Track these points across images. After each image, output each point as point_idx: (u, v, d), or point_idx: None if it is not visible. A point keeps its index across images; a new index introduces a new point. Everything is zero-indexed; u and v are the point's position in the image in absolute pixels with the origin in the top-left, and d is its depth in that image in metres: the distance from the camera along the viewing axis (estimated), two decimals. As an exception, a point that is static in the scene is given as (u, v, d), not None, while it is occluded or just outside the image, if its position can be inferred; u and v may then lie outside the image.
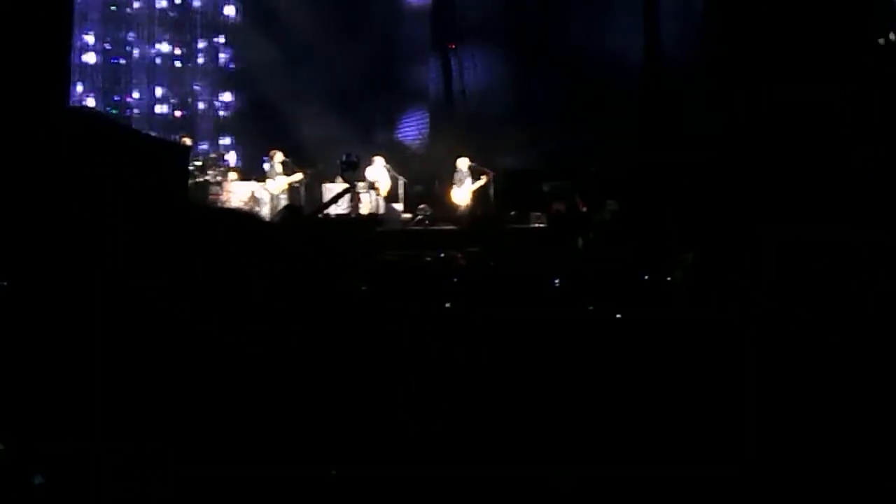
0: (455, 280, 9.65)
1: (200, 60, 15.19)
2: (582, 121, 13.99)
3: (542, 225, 13.45)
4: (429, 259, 11.24)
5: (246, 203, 13.40)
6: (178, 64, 15.00)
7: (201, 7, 15.00)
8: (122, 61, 14.68)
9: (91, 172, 10.90)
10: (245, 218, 11.89)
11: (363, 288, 9.94)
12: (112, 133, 12.85)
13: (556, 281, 9.76)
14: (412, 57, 15.51)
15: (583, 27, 15.07)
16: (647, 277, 9.64)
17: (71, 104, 14.13)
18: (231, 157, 14.95)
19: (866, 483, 4.15)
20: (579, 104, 14.08)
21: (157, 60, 14.83)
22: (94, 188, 10.76)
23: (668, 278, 12.42)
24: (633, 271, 10.10)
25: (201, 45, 15.17)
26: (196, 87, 15.11)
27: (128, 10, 14.67)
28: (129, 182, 11.18)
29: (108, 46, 14.65)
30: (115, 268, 9.05)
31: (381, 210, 13.99)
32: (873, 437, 4.56)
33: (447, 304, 8.50)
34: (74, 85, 13.60)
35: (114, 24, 14.64)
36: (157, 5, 14.85)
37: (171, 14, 14.85)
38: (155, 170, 12.07)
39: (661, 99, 13.95)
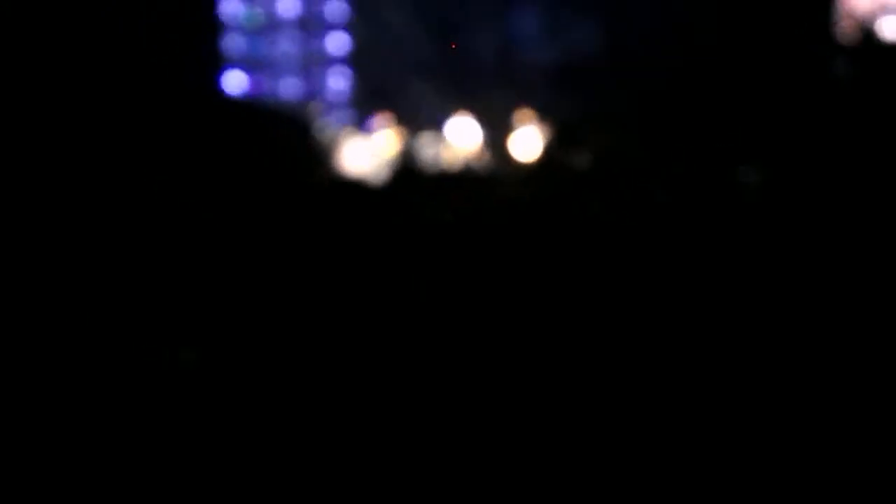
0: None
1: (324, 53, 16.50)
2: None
3: (586, 163, 13.41)
4: (501, 194, 11.66)
5: (364, 155, 14.37)
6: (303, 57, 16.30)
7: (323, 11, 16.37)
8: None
9: (244, 148, 11.99)
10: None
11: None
12: (263, 119, 14.14)
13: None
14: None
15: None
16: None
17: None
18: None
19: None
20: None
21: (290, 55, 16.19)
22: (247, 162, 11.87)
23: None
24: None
25: (323, 41, 16.46)
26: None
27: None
28: (277, 156, 12.36)
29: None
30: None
31: (467, 159, 14.80)
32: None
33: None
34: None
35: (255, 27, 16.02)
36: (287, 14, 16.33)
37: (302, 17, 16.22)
38: (296, 138, 13.33)
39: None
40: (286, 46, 16.17)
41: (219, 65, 13.53)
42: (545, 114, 15.01)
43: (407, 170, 14.13)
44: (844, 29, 13.50)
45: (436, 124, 15.27)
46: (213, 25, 13.44)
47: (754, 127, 12.34)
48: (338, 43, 16.58)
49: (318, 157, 14.00)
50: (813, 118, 11.86)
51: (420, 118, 15.34)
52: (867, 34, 13.30)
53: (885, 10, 13.77)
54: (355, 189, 13.23)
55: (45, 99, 10.37)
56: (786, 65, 12.84)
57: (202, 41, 12.81)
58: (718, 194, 9.98)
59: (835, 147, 10.68)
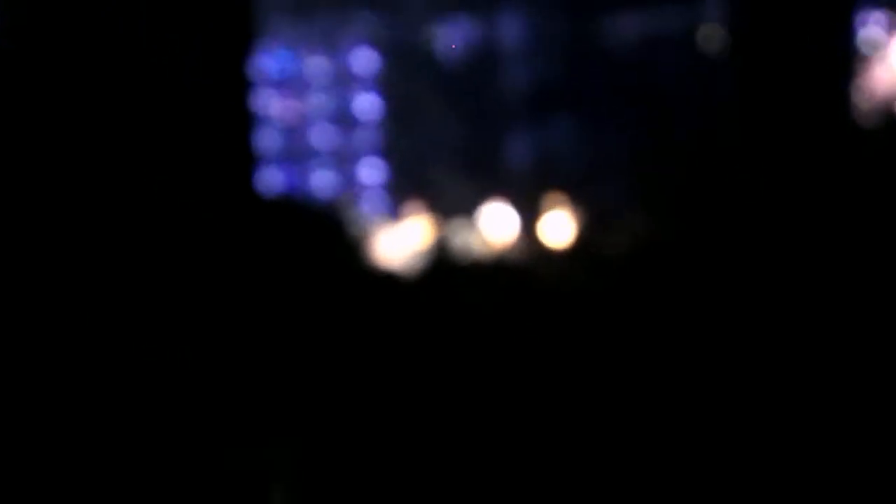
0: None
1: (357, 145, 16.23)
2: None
3: (624, 248, 12.53)
4: (539, 285, 11.56)
5: (399, 244, 14.21)
6: (337, 149, 16.07)
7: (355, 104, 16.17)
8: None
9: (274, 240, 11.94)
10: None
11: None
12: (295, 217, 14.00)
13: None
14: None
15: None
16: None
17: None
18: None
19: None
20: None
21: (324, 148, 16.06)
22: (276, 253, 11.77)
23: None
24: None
25: (356, 133, 16.31)
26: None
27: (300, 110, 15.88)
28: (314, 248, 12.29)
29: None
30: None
31: (498, 246, 14.69)
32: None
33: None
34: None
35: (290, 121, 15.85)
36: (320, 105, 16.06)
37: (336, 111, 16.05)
38: (329, 232, 13.27)
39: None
40: (319, 139, 16.08)
41: (255, 162, 13.38)
42: (578, 198, 14.87)
43: (440, 260, 13.96)
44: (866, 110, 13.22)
45: (468, 212, 15.14)
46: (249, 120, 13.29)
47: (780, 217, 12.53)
48: (369, 132, 16.37)
49: (351, 251, 13.50)
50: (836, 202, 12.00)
51: (452, 206, 15.24)
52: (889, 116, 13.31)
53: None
54: (387, 282, 13.00)
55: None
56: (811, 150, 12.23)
57: (239, 137, 12.76)
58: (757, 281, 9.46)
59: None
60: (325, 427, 6.26)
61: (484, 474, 5.39)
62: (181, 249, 11.11)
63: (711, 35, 14.89)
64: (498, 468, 5.42)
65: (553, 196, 14.98)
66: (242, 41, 13.04)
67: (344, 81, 16.10)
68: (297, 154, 15.90)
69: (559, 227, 14.79)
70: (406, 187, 15.61)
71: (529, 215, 15.17)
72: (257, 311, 9.80)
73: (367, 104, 16.08)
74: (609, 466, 5.40)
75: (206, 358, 7.78)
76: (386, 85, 16.13)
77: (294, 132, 15.95)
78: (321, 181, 15.93)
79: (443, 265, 13.54)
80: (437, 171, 15.53)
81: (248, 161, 13.30)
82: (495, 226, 15.05)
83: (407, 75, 15.97)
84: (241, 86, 12.99)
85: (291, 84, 15.84)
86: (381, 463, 5.74)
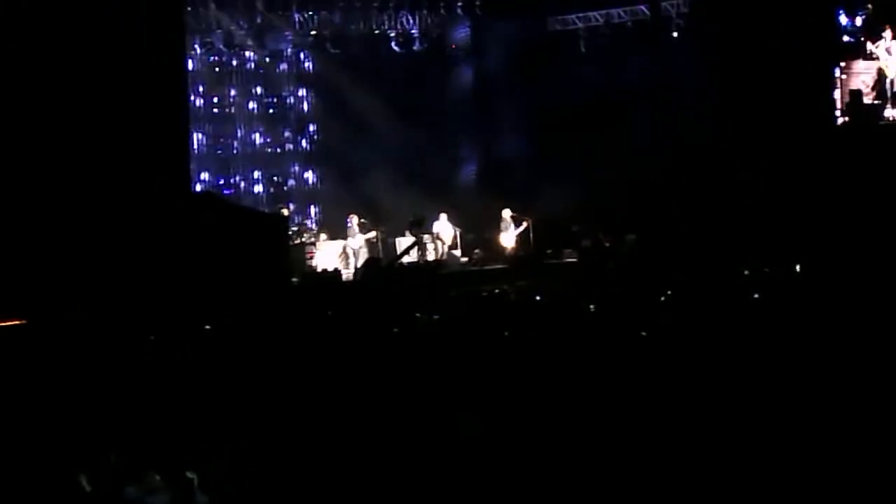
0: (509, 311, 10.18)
1: (289, 146, 15.78)
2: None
3: (573, 259, 13.75)
4: (485, 293, 11.38)
5: (339, 256, 13.89)
6: (268, 150, 15.56)
7: (288, 103, 15.65)
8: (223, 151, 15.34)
9: (213, 243, 11.60)
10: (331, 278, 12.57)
11: (435, 317, 10.46)
12: (229, 211, 13.64)
13: (591, 306, 10.38)
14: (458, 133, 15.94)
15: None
16: (663, 298, 10.11)
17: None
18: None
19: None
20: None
21: (254, 149, 15.50)
22: (216, 257, 11.45)
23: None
24: (651, 292, 10.49)
25: (287, 133, 15.75)
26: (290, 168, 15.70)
27: (228, 109, 15.30)
28: (244, 250, 11.93)
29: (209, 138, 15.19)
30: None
31: (445, 256, 14.38)
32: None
33: (505, 332, 9.00)
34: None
35: (219, 121, 15.28)
36: (251, 105, 15.45)
37: (266, 110, 15.53)
38: (264, 237, 12.87)
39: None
40: (251, 141, 15.63)
41: (188, 161, 12.88)
42: (527, 210, 14.57)
43: (383, 267, 13.50)
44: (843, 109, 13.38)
45: (418, 222, 14.45)
46: (184, 121, 12.83)
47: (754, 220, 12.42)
48: (307, 138, 16.02)
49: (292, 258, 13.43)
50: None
51: (399, 216, 14.67)
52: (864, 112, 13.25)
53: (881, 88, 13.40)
54: (332, 286, 12.78)
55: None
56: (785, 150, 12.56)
57: (174, 138, 12.26)
58: (717, 291, 9.43)
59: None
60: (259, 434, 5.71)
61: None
62: (116, 242, 10.85)
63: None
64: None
65: (500, 208, 14.55)
66: (175, 38, 12.53)
67: (280, 81, 15.78)
68: (227, 154, 15.48)
69: (505, 239, 14.55)
70: (346, 194, 15.00)
71: (476, 226, 15.05)
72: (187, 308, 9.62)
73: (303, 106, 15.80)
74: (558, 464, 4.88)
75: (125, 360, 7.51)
76: (323, 87, 15.79)
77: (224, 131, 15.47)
78: (255, 184, 15.56)
79: (384, 273, 13.00)
80: (380, 179, 14.84)
81: (180, 158, 12.69)
82: (441, 236, 14.50)
83: (348, 79, 15.41)
84: (174, 82, 12.38)
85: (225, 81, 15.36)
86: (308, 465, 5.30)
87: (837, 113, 13.14)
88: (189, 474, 5.29)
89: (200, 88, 14.88)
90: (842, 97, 13.26)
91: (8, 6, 10.71)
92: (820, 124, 12.92)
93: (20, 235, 10.52)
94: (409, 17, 15.69)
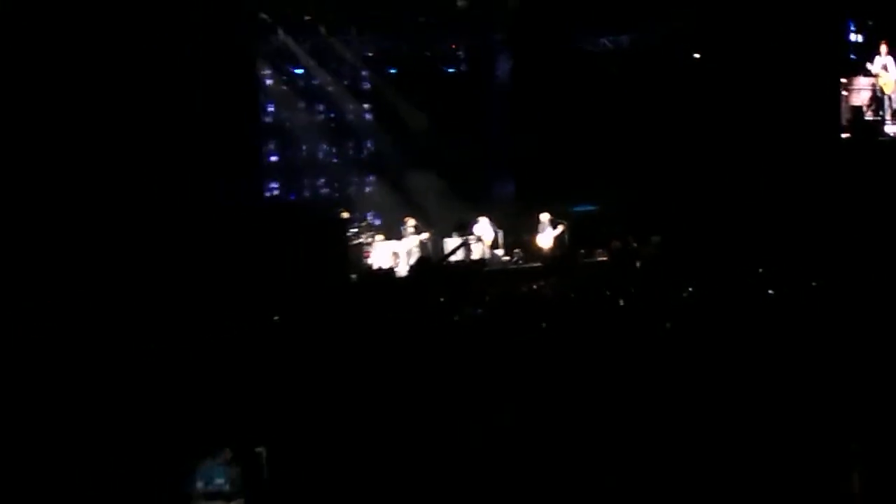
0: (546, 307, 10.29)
1: (348, 156, 15.75)
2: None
3: (604, 259, 13.82)
4: (524, 290, 11.66)
5: (391, 256, 14.00)
6: (331, 161, 15.60)
7: (347, 119, 15.64)
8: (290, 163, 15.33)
9: (283, 244, 11.80)
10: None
11: (478, 311, 10.51)
12: (296, 215, 13.85)
13: (621, 301, 10.17)
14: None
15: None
16: (685, 294, 10.17)
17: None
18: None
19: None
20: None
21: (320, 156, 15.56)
22: (285, 256, 11.63)
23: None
24: (674, 288, 10.57)
25: (346, 145, 15.75)
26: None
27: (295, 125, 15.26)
28: (309, 250, 12.12)
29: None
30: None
31: (487, 256, 14.53)
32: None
33: (543, 325, 9.07)
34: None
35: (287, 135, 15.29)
36: (315, 119, 15.47)
37: (328, 125, 15.55)
38: (328, 238, 13.06)
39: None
40: (322, 153, 15.73)
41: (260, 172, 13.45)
42: (560, 215, 14.69)
43: (431, 265, 13.54)
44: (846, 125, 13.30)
45: (462, 226, 14.70)
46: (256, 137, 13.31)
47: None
48: (371, 150, 16.05)
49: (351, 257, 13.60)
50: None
51: (447, 220, 14.78)
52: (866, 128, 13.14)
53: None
54: (386, 283, 12.98)
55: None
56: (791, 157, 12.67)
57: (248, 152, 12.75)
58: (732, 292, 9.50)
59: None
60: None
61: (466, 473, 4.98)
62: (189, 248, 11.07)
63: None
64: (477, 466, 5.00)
65: (539, 212, 14.63)
66: (248, 62, 13.04)
67: (345, 98, 15.76)
68: (299, 165, 15.50)
69: (543, 239, 14.59)
70: (399, 200, 15.10)
71: (513, 230, 15.08)
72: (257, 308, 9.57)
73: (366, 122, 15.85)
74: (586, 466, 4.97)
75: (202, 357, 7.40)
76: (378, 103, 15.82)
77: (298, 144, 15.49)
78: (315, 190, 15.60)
79: (435, 271, 13.07)
80: (428, 186, 14.96)
81: (253, 169, 13.26)
82: (483, 237, 14.61)
83: (401, 96, 15.56)
84: (249, 102, 12.94)
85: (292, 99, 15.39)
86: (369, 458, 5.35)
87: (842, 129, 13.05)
88: (258, 449, 5.46)
89: (270, 108, 14.95)
90: (843, 113, 13.14)
91: (104, 31, 10.93)
92: (826, 140, 12.85)
93: (116, 235, 10.78)
94: (455, 43, 15.90)
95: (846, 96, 13.38)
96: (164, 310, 9.34)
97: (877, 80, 13.28)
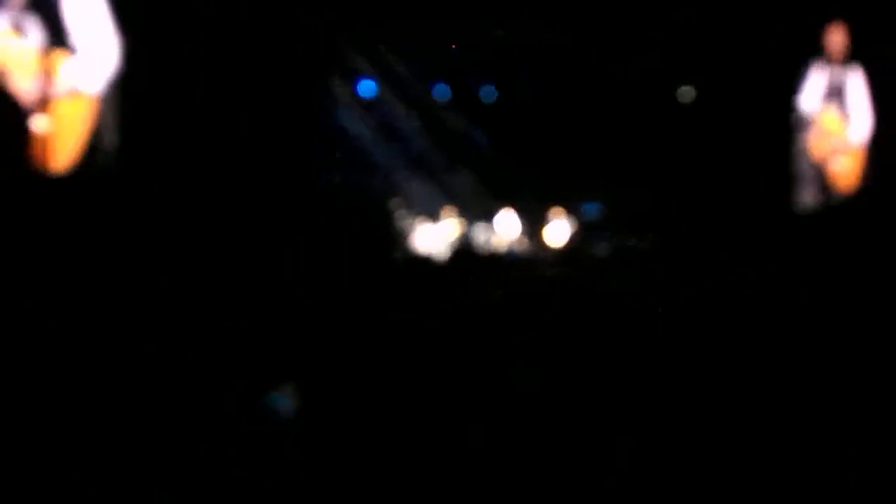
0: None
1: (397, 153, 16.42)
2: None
3: (606, 251, 14.48)
4: (539, 275, 11.40)
5: (430, 240, 15.11)
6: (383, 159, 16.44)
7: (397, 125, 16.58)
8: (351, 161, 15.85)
9: (340, 227, 12.51)
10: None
11: (499, 290, 11.21)
12: (360, 202, 14.79)
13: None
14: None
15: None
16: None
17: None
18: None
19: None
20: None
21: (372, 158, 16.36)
22: (342, 238, 12.40)
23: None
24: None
25: (396, 146, 16.48)
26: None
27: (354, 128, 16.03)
28: (363, 234, 12.96)
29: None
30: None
31: (509, 246, 15.49)
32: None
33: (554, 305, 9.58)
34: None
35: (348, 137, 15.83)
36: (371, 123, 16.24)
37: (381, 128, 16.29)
38: (376, 224, 14.06)
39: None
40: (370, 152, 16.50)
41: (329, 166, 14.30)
42: (572, 210, 15.61)
43: (464, 251, 14.98)
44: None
45: (488, 217, 15.76)
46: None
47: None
48: (410, 147, 16.78)
49: (400, 239, 14.66)
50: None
51: (476, 211, 15.92)
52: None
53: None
54: (424, 264, 13.75)
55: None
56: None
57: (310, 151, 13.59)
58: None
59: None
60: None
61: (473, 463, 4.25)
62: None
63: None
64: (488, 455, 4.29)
65: (553, 208, 15.63)
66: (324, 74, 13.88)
67: (392, 105, 16.58)
68: (353, 162, 16.17)
69: (555, 232, 15.46)
70: (439, 193, 16.23)
71: (534, 222, 15.78)
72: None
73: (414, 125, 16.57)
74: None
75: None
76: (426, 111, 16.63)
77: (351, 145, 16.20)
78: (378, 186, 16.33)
79: (466, 254, 14.56)
80: (462, 183, 16.25)
81: (321, 163, 14.14)
82: (507, 228, 15.73)
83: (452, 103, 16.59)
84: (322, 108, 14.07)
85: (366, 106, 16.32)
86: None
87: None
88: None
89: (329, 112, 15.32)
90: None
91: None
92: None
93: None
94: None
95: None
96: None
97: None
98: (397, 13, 14.96)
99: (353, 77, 15.97)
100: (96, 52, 9.05)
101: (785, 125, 12.43)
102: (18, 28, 8.52)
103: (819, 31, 12.01)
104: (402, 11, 14.93)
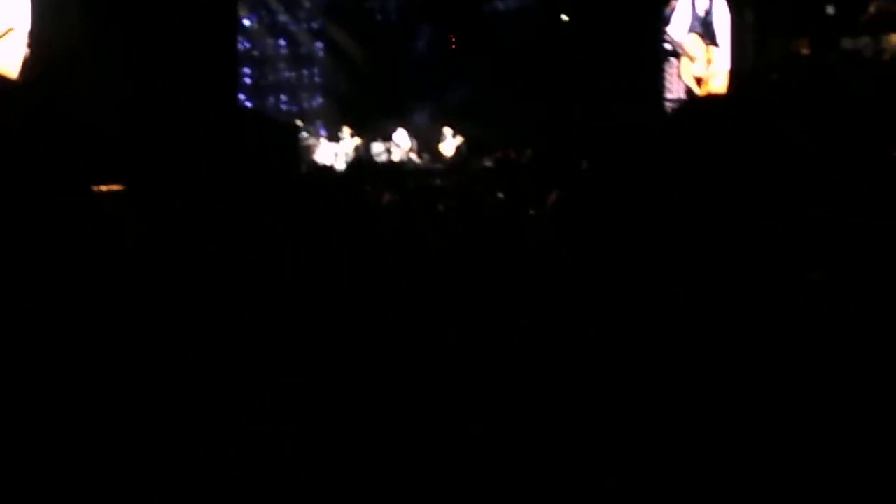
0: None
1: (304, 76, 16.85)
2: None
3: (490, 164, 14.65)
4: (430, 184, 12.68)
5: (332, 155, 15.17)
6: (291, 83, 16.75)
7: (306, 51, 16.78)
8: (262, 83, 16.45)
9: (253, 148, 12.65)
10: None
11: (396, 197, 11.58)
12: (265, 124, 14.93)
13: (500, 194, 10.24)
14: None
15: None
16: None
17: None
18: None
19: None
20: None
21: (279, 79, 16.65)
22: (254, 157, 12.50)
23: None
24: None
25: (304, 72, 16.87)
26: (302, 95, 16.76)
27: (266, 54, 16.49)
28: (272, 148, 13.10)
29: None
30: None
31: (405, 158, 15.72)
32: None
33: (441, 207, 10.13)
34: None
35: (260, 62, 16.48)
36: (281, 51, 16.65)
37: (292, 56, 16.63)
38: (287, 139, 14.14)
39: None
40: (279, 75, 16.62)
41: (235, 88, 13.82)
42: (463, 130, 15.73)
43: (362, 163, 14.90)
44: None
45: (386, 134, 15.76)
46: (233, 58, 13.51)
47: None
48: (317, 73, 16.92)
49: (302, 154, 14.52)
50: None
51: (375, 129, 15.76)
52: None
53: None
54: (325, 175, 13.45)
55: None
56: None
57: (228, 70, 13.09)
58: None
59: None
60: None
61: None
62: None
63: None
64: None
65: (445, 127, 15.82)
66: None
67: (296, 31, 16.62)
68: (264, 84, 16.50)
69: (446, 148, 15.79)
70: (343, 114, 16.08)
71: (429, 139, 16.07)
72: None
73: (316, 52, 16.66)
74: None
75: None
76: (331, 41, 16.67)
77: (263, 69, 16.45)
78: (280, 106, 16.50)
79: (363, 166, 14.48)
80: (363, 105, 15.99)
81: (232, 87, 13.42)
82: (403, 144, 15.75)
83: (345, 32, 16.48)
84: (228, 34, 13.24)
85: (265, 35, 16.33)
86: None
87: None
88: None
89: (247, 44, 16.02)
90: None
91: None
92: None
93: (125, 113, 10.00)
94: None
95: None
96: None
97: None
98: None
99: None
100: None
101: (655, 54, 12.60)
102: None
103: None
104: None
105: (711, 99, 10.96)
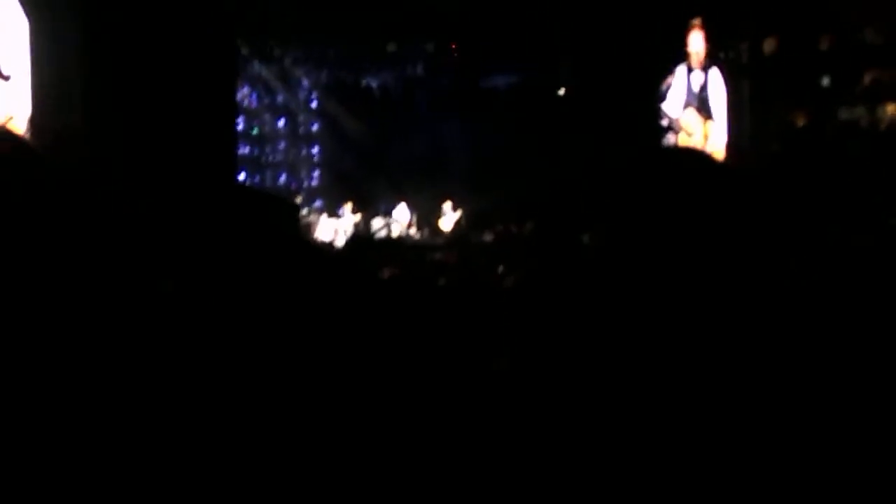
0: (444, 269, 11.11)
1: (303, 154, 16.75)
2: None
3: (490, 238, 14.49)
4: (430, 258, 12.29)
5: (332, 231, 14.92)
6: (289, 159, 16.57)
7: (301, 129, 16.67)
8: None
9: (253, 226, 12.43)
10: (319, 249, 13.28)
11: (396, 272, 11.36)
12: (264, 200, 14.58)
13: (500, 268, 11.24)
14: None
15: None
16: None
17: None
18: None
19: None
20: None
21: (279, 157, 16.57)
22: (255, 235, 12.28)
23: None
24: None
25: (302, 148, 16.74)
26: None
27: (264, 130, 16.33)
28: (271, 224, 12.87)
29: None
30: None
31: (404, 233, 15.57)
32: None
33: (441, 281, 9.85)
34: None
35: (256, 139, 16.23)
36: (279, 126, 16.53)
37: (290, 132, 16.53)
38: (285, 217, 13.81)
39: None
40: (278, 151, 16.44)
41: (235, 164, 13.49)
42: (463, 204, 15.52)
43: (362, 239, 14.53)
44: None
45: (386, 209, 15.56)
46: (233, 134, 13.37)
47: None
48: (314, 149, 16.75)
49: (301, 230, 14.05)
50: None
51: (375, 205, 15.59)
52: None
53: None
54: (324, 250, 13.77)
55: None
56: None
57: (227, 148, 12.84)
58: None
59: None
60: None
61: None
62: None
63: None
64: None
65: (445, 201, 15.53)
66: (229, 79, 13.16)
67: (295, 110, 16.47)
68: (261, 161, 16.25)
69: (447, 222, 15.49)
70: (342, 191, 15.88)
71: (429, 213, 15.79)
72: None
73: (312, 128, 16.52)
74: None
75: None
76: (328, 117, 16.50)
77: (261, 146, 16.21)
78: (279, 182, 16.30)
79: (363, 241, 14.07)
80: (361, 180, 15.78)
81: (231, 163, 13.04)
82: (403, 218, 15.53)
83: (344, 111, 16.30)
84: (228, 111, 12.98)
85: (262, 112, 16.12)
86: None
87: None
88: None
89: (241, 119, 15.36)
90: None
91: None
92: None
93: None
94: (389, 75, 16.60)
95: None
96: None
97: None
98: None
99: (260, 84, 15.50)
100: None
101: (651, 129, 12.01)
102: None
103: (680, 37, 11.47)
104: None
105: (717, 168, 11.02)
